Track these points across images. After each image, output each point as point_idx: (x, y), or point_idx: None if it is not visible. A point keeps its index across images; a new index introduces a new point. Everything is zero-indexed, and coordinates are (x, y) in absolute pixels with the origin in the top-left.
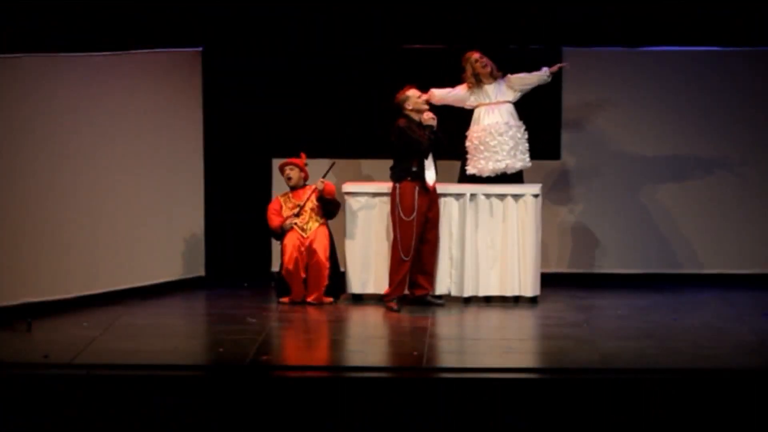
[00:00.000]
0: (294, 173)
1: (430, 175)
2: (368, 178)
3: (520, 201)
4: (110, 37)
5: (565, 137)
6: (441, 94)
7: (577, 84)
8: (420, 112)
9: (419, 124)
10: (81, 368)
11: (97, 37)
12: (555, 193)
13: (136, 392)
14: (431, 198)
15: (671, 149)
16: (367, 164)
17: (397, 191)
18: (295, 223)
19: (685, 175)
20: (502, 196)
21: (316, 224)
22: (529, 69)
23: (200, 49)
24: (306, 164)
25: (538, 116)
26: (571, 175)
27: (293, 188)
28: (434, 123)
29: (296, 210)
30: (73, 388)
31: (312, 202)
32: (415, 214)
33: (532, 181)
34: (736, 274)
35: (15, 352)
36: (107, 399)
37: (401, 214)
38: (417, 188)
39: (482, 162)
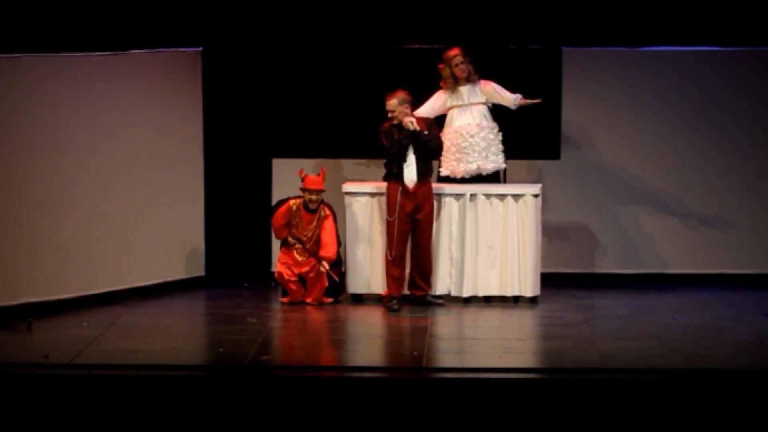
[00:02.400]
0: (318, 198)
1: (408, 177)
2: (368, 178)
3: (520, 201)
4: (110, 37)
5: (565, 137)
6: (424, 113)
7: (577, 84)
8: (394, 118)
9: (400, 127)
10: (81, 368)
11: (97, 37)
12: (555, 193)
13: (136, 392)
14: (417, 200)
15: (671, 149)
16: (366, 164)
17: (385, 191)
18: (297, 247)
19: (685, 175)
20: (502, 196)
21: (315, 256)
22: (530, 69)
23: (200, 49)
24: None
25: (538, 116)
26: (571, 175)
27: (308, 209)
28: (413, 127)
29: (300, 247)
30: (73, 388)
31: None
32: (396, 214)
33: (532, 182)
34: (736, 274)
35: (15, 352)
36: (107, 399)
37: (386, 214)
38: (400, 189)
39: (454, 164)
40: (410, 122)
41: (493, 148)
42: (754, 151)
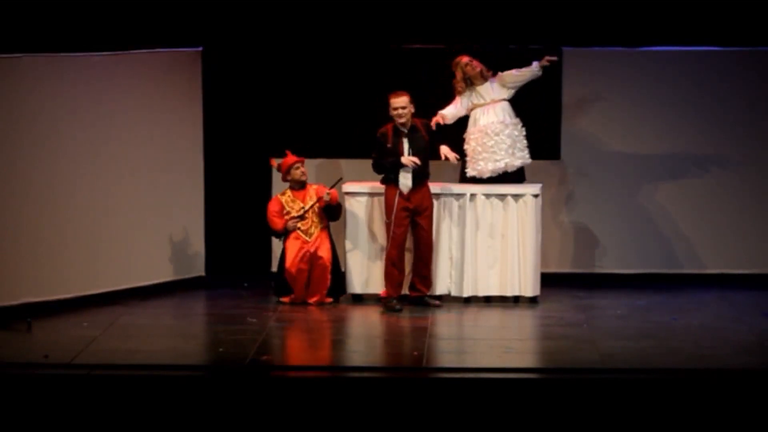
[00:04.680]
0: (304, 169)
1: (403, 183)
2: (368, 179)
3: (520, 201)
4: (110, 37)
5: (565, 137)
6: (451, 113)
7: (577, 84)
8: (400, 116)
9: (397, 131)
10: (81, 368)
11: (97, 37)
12: (555, 193)
13: (136, 392)
14: (414, 203)
15: (671, 149)
16: (366, 164)
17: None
18: (298, 227)
19: (684, 175)
20: (502, 196)
21: (318, 228)
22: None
23: (200, 49)
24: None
25: (538, 116)
26: (571, 175)
27: (297, 187)
28: (410, 165)
29: (301, 212)
30: (73, 388)
31: (315, 207)
32: (393, 217)
33: (532, 181)
34: (736, 274)
35: (15, 352)
36: (107, 399)
37: (384, 216)
38: (397, 192)
39: (481, 163)
40: (410, 161)
41: (518, 144)
42: (754, 151)
